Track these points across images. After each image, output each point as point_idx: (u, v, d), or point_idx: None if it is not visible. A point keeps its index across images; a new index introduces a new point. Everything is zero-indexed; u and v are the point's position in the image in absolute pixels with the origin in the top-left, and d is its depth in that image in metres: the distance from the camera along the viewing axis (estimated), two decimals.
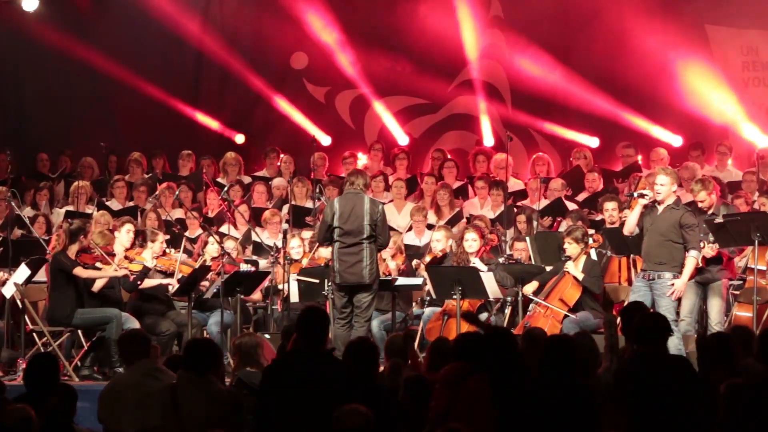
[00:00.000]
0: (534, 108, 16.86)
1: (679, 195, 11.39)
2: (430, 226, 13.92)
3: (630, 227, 11.28)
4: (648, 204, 11.13)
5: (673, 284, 10.94)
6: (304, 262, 12.81)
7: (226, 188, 14.77)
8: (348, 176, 11.75)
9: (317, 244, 12.40)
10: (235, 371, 8.70)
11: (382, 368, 8.36)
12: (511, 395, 6.87)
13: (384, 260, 12.58)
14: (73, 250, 11.79)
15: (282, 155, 16.54)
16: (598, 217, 13.65)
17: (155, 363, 7.81)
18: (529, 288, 12.12)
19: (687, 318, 11.31)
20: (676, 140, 16.21)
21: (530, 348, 8.20)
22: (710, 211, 11.57)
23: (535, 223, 13.89)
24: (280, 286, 12.68)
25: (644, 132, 16.25)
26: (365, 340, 8.10)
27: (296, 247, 12.97)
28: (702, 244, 11.17)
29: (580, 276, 11.88)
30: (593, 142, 16.57)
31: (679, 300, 11.14)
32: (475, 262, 12.26)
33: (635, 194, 11.31)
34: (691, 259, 10.97)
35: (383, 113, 17.37)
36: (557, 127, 16.76)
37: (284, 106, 17.52)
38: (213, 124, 17.71)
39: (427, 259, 12.61)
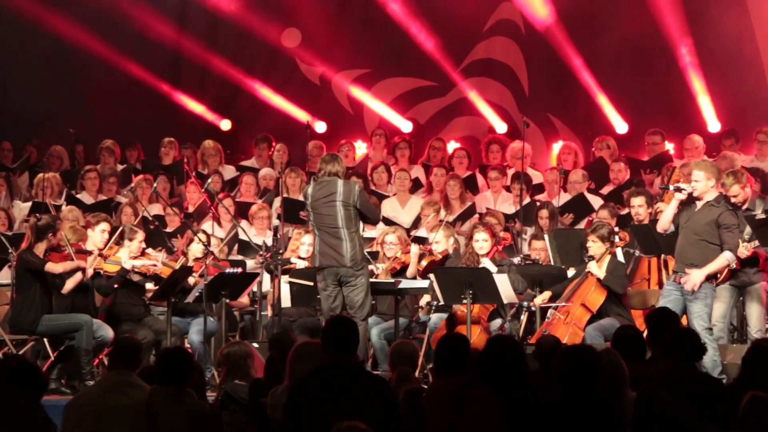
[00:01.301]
0: (554, 89, 16.78)
1: (721, 191, 11.19)
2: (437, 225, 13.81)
3: (665, 224, 11.08)
4: (685, 199, 10.97)
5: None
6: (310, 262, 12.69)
7: (209, 180, 14.66)
8: (319, 164, 11.61)
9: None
10: (221, 384, 8.61)
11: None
12: (523, 414, 6.75)
13: (391, 258, 12.47)
14: (40, 249, 11.69)
15: (275, 144, 16.44)
16: (624, 211, 13.54)
17: (127, 376, 7.73)
18: (539, 300, 12.02)
19: (719, 323, 11.18)
20: (715, 125, 16.13)
21: (541, 359, 8.11)
22: (744, 206, 11.41)
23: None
24: (265, 289, 12.58)
25: (685, 107, 16.16)
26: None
27: (307, 244, 12.82)
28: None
29: (602, 275, 11.76)
30: (622, 127, 16.46)
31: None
32: (485, 263, 12.13)
33: (671, 187, 11.12)
34: (722, 258, 10.76)
35: (371, 102, 17.29)
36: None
37: (274, 88, 17.45)
38: (196, 107, 17.63)
39: (423, 263, 12.48)
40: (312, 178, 14.31)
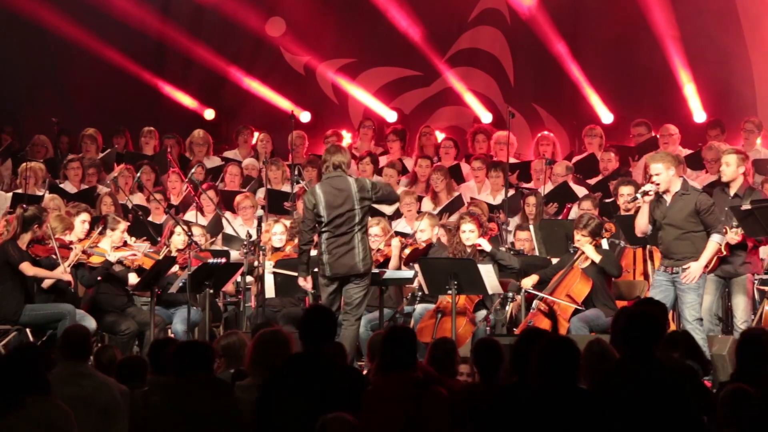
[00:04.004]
0: (540, 79, 16.78)
1: (682, 176, 11.19)
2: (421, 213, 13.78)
3: (642, 227, 11.05)
4: (653, 197, 10.96)
5: (689, 266, 10.80)
6: (287, 250, 12.66)
7: (193, 170, 14.63)
8: (323, 156, 11.32)
9: (304, 240, 11.51)
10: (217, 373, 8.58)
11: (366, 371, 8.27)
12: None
13: (378, 250, 12.45)
14: (24, 240, 11.63)
15: (258, 134, 16.40)
16: (609, 199, 13.54)
17: (78, 367, 7.61)
18: (528, 281, 11.97)
19: (705, 315, 11.16)
20: (700, 115, 16.14)
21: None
22: (732, 191, 11.41)
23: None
24: (248, 279, 12.56)
25: (671, 97, 16.14)
26: None
27: (279, 233, 12.79)
28: (724, 230, 11.04)
29: (597, 258, 11.75)
30: (607, 117, 16.47)
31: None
32: (482, 243, 12.07)
33: (638, 195, 11.04)
34: (712, 243, 10.79)
35: (356, 92, 17.26)
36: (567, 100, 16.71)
37: (258, 78, 17.40)
38: (180, 96, 17.57)
39: (407, 251, 12.45)
40: (297, 169, 14.32)
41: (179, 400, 6.99)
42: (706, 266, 10.96)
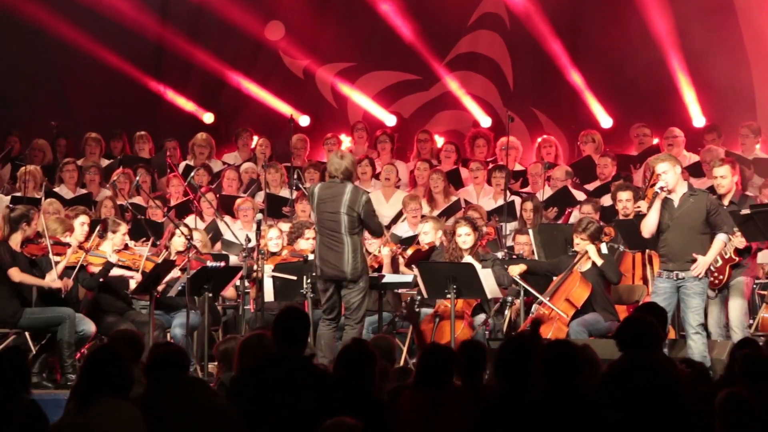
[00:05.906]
0: (539, 83, 16.79)
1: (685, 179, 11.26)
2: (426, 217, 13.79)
3: (651, 227, 10.94)
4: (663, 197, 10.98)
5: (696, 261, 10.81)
6: (284, 254, 12.68)
7: (192, 173, 14.62)
8: (329, 160, 11.50)
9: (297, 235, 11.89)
10: (218, 376, 8.59)
11: None
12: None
13: (371, 254, 12.45)
14: (16, 240, 11.59)
15: (257, 138, 16.40)
16: (608, 203, 13.54)
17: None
18: (516, 269, 11.91)
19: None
20: (700, 120, 16.16)
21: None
22: (727, 200, 11.43)
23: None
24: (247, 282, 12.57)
25: (670, 102, 16.15)
26: (363, 344, 7.86)
27: (274, 238, 12.82)
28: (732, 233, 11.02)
29: (599, 261, 11.76)
30: (606, 121, 16.48)
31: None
32: (468, 259, 12.10)
33: (657, 191, 10.97)
34: (718, 242, 10.80)
35: (355, 96, 17.26)
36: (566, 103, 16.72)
37: (258, 81, 17.40)
38: (179, 100, 17.56)
39: (409, 252, 12.46)
40: (297, 173, 14.32)
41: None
42: (719, 275, 11.05)
